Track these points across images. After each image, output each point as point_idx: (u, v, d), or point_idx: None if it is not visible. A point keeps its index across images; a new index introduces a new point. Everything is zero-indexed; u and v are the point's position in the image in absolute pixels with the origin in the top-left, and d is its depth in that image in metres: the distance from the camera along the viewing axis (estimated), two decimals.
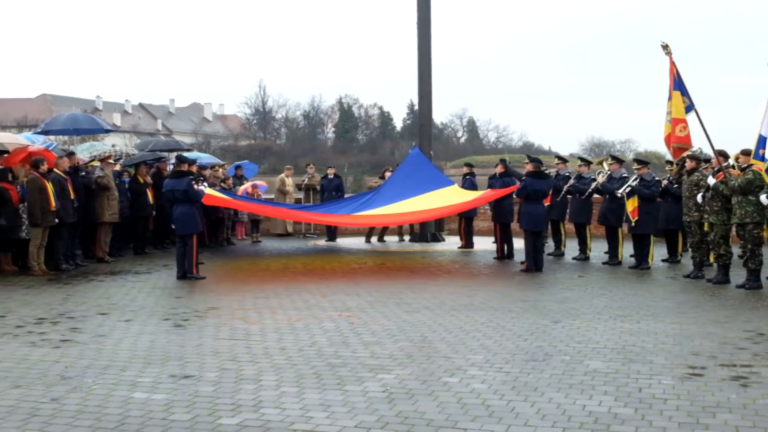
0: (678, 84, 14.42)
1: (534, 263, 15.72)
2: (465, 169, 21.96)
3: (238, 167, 24.75)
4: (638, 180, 16.12)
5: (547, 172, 17.87)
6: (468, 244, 20.36)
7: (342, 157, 75.47)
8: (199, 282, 14.40)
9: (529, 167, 16.43)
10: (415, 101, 22.26)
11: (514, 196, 16.84)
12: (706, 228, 14.31)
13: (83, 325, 10.32)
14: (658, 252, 17.13)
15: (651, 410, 6.63)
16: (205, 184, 16.78)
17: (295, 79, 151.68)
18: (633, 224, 16.10)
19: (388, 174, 22.00)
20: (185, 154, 18.92)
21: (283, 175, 25.11)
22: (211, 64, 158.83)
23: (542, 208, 16.23)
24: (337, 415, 6.52)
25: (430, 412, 6.60)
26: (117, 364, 8.24)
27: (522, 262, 16.10)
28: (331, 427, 6.25)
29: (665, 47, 14.36)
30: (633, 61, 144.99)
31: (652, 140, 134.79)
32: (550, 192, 17.23)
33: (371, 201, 19.52)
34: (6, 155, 16.29)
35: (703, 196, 14.13)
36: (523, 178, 16.64)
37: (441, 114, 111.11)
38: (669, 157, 17.77)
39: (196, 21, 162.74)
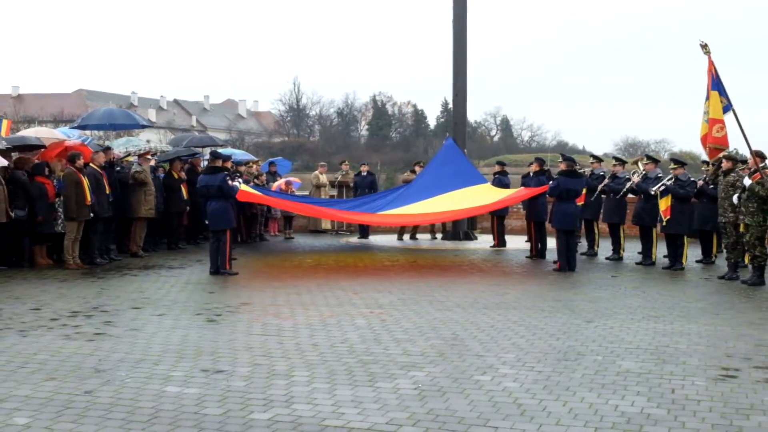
0: (716, 84, 14.30)
1: (567, 263, 15.65)
2: (497, 168, 21.89)
3: (271, 164, 24.82)
4: (673, 180, 16.01)
5: (581, 171, 17.81)
6: (501, 242, 20.30)
7: (375, 155, 75.57)
8: (232, 277, 14.46)
9: (563, 166, 16.36)
10: (449, 99, 22.23)
11: (547, 195, 16.76)
12: (741, 229, 14.18)
13: (117, 319, 10.39)
14: (692, 253, 17.01)
15: (684, 411, 6.58)
16: (240, 180, 16.83)
17: (329, 77, 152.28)
18: (665, 223, 16.00)
19: (418, 169, 21.98)
20: (219, 150, 19.01)
21: (317, 171, 25.21)
22: (245, 61, 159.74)
23: (575, 208, 16.15)
24: (368, 412, 6.53)
25: (461, 410, 6.59)
26: (150, 358, 8.29)
27: (555, 262, 16.03)
28: (362, 424, 6.25)
29: (704, 46, 14.24)
30: (669, 61, 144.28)
31: (687, 140, 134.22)
32: (584, 191, 17.16)
33: (404, 195, 19.54)
34: (43, 150, 16.43)
35: (739, 197, 14.01)
36: (556, 176, 16.58)
37: (475, 112, 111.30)
38: (705, 157, 17.64)
39: (232, 18, 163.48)
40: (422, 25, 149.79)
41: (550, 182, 16.57)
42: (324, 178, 24.81)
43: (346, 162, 25.66)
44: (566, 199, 15.87)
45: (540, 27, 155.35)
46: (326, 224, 24.46)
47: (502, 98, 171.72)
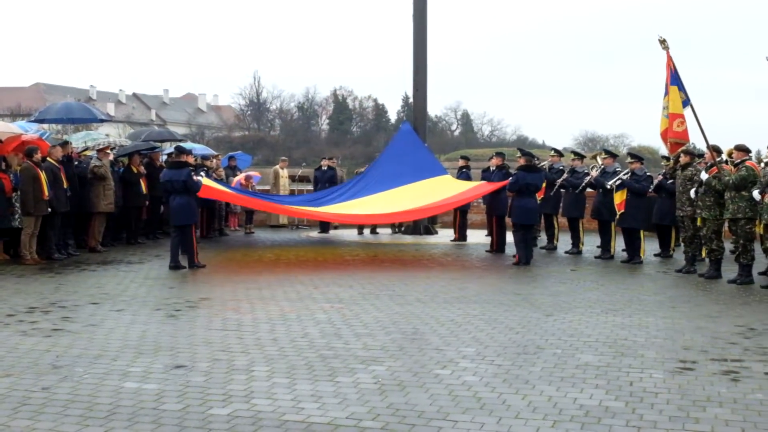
0: (675, 79, 14.40)
1: (525, 256, 15.74)
2: (461, 162, 21.95)
3: (231, 158, 24.69)
4: (630, 174, 16.14)
5: (540, 164, 17.92)
6: (461, 237, 20.36)
7: (336, 149, 75.33)
8: (191, 272, 14.40)
9: (521, 161, 16.44)
10: (410, 94, 22.27)
11: (507, 189, 16.84)
12: (698, 223, 14.33)
13: (75, 315, 10.31)
14: (650, 246, 17.16)
15: (642, 404, 6.64)
16: (203, 174, 16.79)
17: (289, 71, 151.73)
18: (618, 217, 16.13)
19: None
20: (182, 144, 18.95)
21: (277, 167, 25.10)
22: (205, 55, 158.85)
23: (534, 202, 16.22)
24: (328, 407, 6.53)
25: (421, 404, 6.61)
26: (108, 354, 8.23)
27: (514, 256, 16.09)
28: (322, 418, 6.25)
29: (662, 42, 14.34)
30: (627, 56, 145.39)
31: (646, 135, 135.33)
32: (543, 186, 17.26)
33: (363, 187, 19.56)
34: None
35: (696, 191, 14.15)
36: (515, 171, 16.67)
37: (435, 107, 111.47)
38: (663, 152, 17.81)
39: (191, 11, 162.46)
40: (383, 19, 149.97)
41: (510, 177, 16.66)
42: (284, 173, 24.72)
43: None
44: (525, 194, 15.95)
45: (500, 21, 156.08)
46: (283, 219, 24.36)
47: (462, 93, 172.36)
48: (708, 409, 6.54)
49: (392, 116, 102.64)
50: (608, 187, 16.21)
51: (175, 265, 14.77)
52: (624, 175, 16.16)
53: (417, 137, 20.87)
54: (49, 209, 15.26)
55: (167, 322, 9.95)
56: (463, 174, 20.78)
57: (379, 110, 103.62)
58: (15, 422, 6.13)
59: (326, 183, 22.78)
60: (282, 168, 24.88)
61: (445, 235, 21.32)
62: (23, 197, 15.04)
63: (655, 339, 9.12)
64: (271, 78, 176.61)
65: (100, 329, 9.47)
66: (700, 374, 7.59)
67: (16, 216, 15.20)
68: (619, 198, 16.06)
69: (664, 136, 14.79)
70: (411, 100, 21.98)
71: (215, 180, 18.91)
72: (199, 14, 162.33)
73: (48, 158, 15.64)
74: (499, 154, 19.55)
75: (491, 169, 19.43)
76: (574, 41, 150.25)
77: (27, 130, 19.06)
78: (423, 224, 21.88)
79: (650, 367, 7.83)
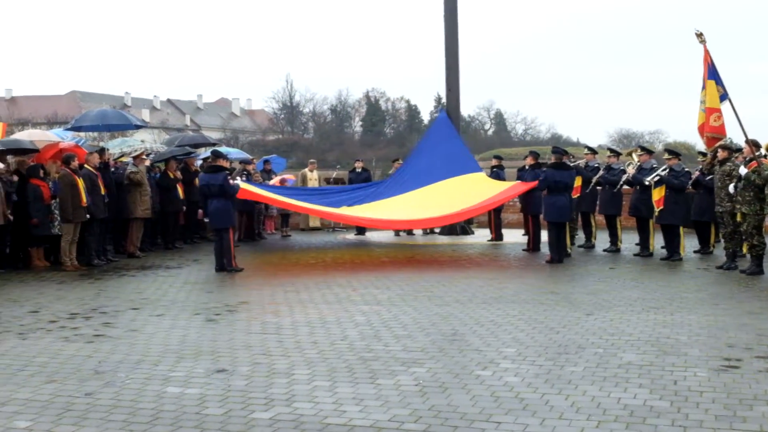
0: (712, 73, 14.28)
1: (557, 254, 15.71)
2: (494, 162, 21.89)
3: (266, 162, 24.75)
4: (668, 170, 16.01)
5: (575, 163, 17.82)
6: (498, 236, 20.31)
7: (369, 151, 75.40)
8: (229, 276, 14.46)
9: (552, 159, 16.42)
10: (443, 94, 22.25)
11: (537, 188, 16.82)
12: (738, 218, 14.18)
13: (116, 320, 10.37)
14: (690, 243, 17.01)
15: (687, 403, 6.57)
16: (242, 178, 16.92)
17: (322, 73, 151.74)
18: (657, 214, 16.02)
19: (398, 165, 22.28)
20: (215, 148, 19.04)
21: (306, 169, 25.09)
22: (238, 60, 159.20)
23: (565, 200, 16.08)
24: (370, 409, 6.51)
25: (463, 405, 6.58)
26: (150, 359, 8.27)
27: (548, 256, 16.05)
28: (364, 421, 6.24)
29: (699, 35, 14.22)
30: (663, 51, 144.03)
31: (681, 131, 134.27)
32: (580, 183, 17.21)
33: (397, 183, 19.66)
34: (37, 152, 16.38)
35: (735, 186, 14.00)
36: (544, 169, 16.65)
37: (468, 106, 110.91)
38: (700, 147, 17.69)
39: (224, 16, 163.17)
40: (414, 19, 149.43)
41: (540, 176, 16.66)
42: (313, 176, 24.64)
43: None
44: (555, 192, 15.90)
45: (532, 19, 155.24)
46: (315, 222, 24.34)
47: (495, 92, 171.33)
48: (755, 407, 6.46)
49: (425, 117, 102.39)
50: (646, 183, 16.09)
51: (220, 268, 14.95)
52: (662, 171, 16.04)
53: (452, 127, 20.94)
54: (88, 216, 15.38)
55: (207, 326, 9.98)
56: (495, 174, 20.71)
57: (412, 111, 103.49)
58: (59, 428, 6.17)
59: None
60: (311, 170, 24.82)
61: (481, 235, 21.24)
62: (62, 204, 15.16)
63: (698, 337, 9.03)
64: (303, 81, 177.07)
65: (141, 334, 9.52)
66: (746, 372, 7.50)
67: (56, 223, 15.34)
68: (657, 194, 15.93)
69: (701, 130, 14.68)
70: (444, 100, 21.90)
71: (255, 184, 19.04)
72: (231, 19, 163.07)
73: (85, 165, 15.77)
74: (533, 153, 19.48)
75: (526, 168, 19.35)
76: (608, 36, 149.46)
77: (63, 138, 19.21)
78: (459, 224, 21.80)
79: (694, 365, 7.76)
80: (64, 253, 15.32)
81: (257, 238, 21.53)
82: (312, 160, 26.80)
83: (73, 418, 6.39)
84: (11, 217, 14.63)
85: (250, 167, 21.44)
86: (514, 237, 20.24)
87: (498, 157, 22.63)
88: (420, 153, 20.84)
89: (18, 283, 13.72)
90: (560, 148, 17.88)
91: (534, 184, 17.27)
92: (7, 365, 8.07)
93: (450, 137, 20.55)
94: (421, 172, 19.74)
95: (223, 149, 20.95)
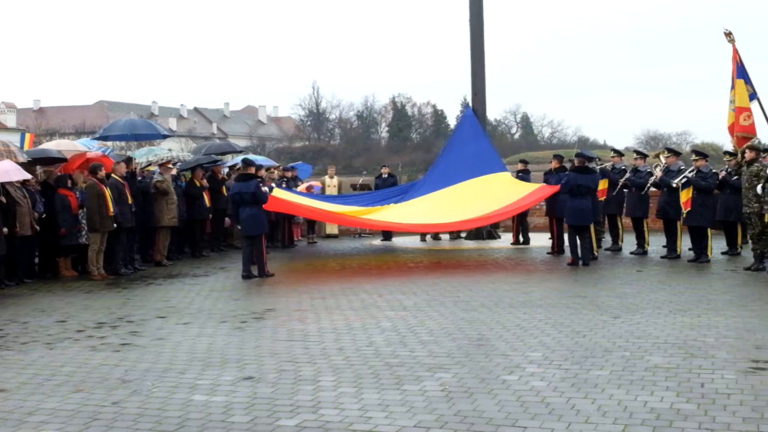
0: (741, 72, 14.22)
1: (581, 258, 15.75)
2: (520, 166, 21.87)
3: (292, 168, 24.76)
4: (695, 172, 15.92)
5: (602, 165, 17.76)
6: (524, 240, 20.28)
7: (396, 156, 75.43)
8: (256, 284, 14.50)
9: (576, 162, 16.43)
10: (469, 98, 22.16)
11: (560, 191, 16.82)
12: (766, 219, 14.07)
13: (142, 329, 10.42)
14: (717, 244, 16.90)
15: (714, 406, 6.52)
16: (274, 186, 17.13)
17: (348, 80, 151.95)
18: (685, 215, 15.93)
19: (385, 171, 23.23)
20: (249, 157, 19.26)
21: (325, 176, 25.08)
22: (264, 67, 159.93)
23: (587, 203, 16.04)
24: (395, 415, 6.51)
25: (489, 410, 6.56)
26: (176, 367, 8.30)
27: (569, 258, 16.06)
28: (390, 427, 6.23)
29: (728, 34, 14.15)
30: (689, 51, 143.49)
31: (709, 131, 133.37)
32: (606, 186, 17.17)
33: (427, 181, 19.94)
34: (65, 162, 16.50)
35: (763, 187, 13.90)
36: (567, 172, 16.66)
37: (495, 110, 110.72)
38: (727, 147, 17.55)
39: (250, 24, 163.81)
40: (439, 24, 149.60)
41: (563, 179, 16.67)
42: (333, 182, 24.57)
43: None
44: (578, 195, 15.89)
45: (557, 21, 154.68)
46: (332, 228, 24.30)
47: (521, 95, 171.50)
48: None
49: (451, 121, 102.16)
50: (674, 185, 16.01)
51: (247, 275, 15.04)
52: (689, 172, 15.94)
53: (479, 125, 20.98)
54: (115, 225, 15.46)
55: (233, 334, 10.01)
56: (521, 178, 20.66)
57: (438, 116, 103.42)
58: None
59: None
60: (330, 177, 24.77)
61: (508, 239, 21.20)
62: (89, 214, 15.26)
63: (726, 339, 8.97)
64: (329, 88, 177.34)
65: (168, 343, 9.56)
66: None
67: (83, 233, 15.45)
68: (685, 196, 15.84)
69: (731, 130, 14.61)
70: (470, 104, 21.87)
71: (289, 190, 19.39)
72: (257, 27, 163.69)
73: (112, 175, 15.86)
74: (557, 157, 19.46)
75: (552, 171, 19.31)
76: (633, 38, 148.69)
77: (90, 147, 19.33)
78: (486, 229, 21.77)
79: (721, 368, 7.70)
80: (92, 263, 15.41)
81: (283, 245, 21.50)
82: (331, 166, 26.73)
83: (100, 427, 6.42)
84: (38, 228, 14.74)
85: (289, 174, 21.92)
86: (541, 240, 20.17)
87: (524, 161, 22.67)
88: (447, 151, 21.03)
89: (46, 292, 13.82)
90: (584, 152, 17.87)
91: (557, 187, 17.24)
92: (35, 375, 8.12)
93: (477, 135, 20.64)
94: (448, 171, 19.94)
95: (251, 157, 21.05)
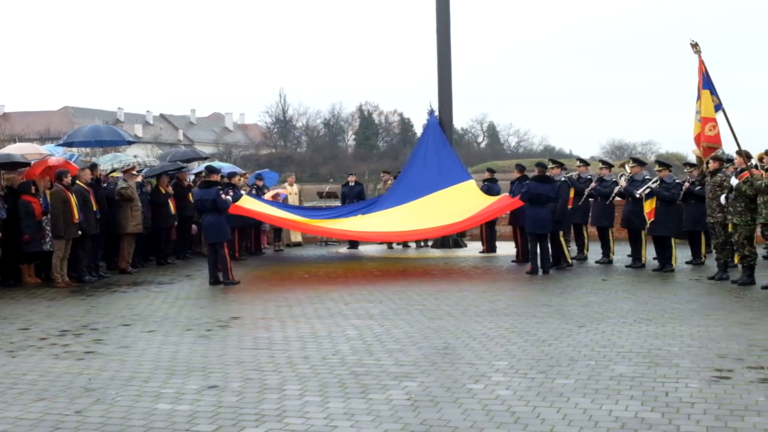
0: (707, 82, 14.30)
1: (542, 266, 15.89)
2: (486, 174, 21.92)
3: (258, 177, 24.60)
4: (659, 182, 16.03)
5: (568, 174, 17.84)
6: (490, 248, 20.34)
7: (363, 164, 75.47)
8: (221, 291, 14.44)
9: (536, 172, 16.65)
10: (435, 107, 22.19)
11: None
12: (730, 229, 14.19)
13: (106, 337, 10.33)
14: (681, 254, 17.02)
15: (678, 414, 6.56)
16: (232, 192, 17.05)
17: (315, 87, 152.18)
18: (648, 225, 16.04)
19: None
20: (212, 164, 19.19)
21: (285, 183, 24.95)
22: (231, 74, 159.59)
23: (546, 212, 16.16)
24: (361, 424, 6.49)
25: (455, 419, 6.56)
26: (140, 375, 8.24)
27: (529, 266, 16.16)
28: None
29: (694, 45, 14.23)
30: (654, 62, 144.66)
31: (674, 142, 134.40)
32: (572, 195, 17.26)
33: (393, 194, 20.02)
34: (28, 166, 16.33)
35: (727, 197, 14.02)
36: (527, 182, 16.81)
37: (461, 119, 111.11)
38: (690, 158, 17.66)
39: (216, 31, 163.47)
40: (406, 32, 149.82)
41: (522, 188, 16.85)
42: (293, 190, 24.29)
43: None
44: (537, 204, 16.02)
45: (524, 31, 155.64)
46: (296, 237, 24.18)
47: (487, 104, 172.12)
48: (746, 418, 6.45)
49: (418, 130, 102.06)
50: (637, 196, 16.12)
51: (214, 281, 15.11)
52: (653, 183, 16.06)
53: (442, 134, 21.03)
54: (80, 232, 15.35)
55: (199, 342, 9.95)
56: (488, 187, 20.72)
57: (405, 124, 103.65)
58: None
59: (354, 198, 22.81)
60: (290, 184, 24.48)
61: (474, 248, 21.23)
62: (54, 220, 15.13)
63: (690, 348, 9.03)
64: (296, 95, 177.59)
65: (132, 351, 9.49)
66: (737, 383, 7.49)
67: (47, 239, 15.30)
68: (648, 206, 15.95)
69: (697, 140, 14.69)
70: (436, 113, 21.90)
71: (254, 196, 19.37)
72: (223, 34, 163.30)
73: (77, 181, 15.74)
74: (519, 166, 19.59)
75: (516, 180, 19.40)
76: (599, 47, 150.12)
77: (53, 153, 19.16)
78: (452, 237, 21.81)
79: (686, 376, 7.75)
80: (56, 270, 15.28)
81: (249, 253, 21.37)
82: (290, 174, 26.52)
83: None
84: (0, 234, 14.59)
85: (235, 180, 21.44)
86: (508, 249, 20.20)
87: (491, 170, 22.69)
88: (412, 163, 21.03)
89: (8, 300, 13.68)
90: (543, 162, 18.02)
91: (519, 201, 17.29)
92: None
93: (440, 145, 20.68)
94: (413, 184, 19.95)
95: (215, 164, 21.00)
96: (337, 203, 24.14)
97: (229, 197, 16.14)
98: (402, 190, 20.17)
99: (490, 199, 19.16)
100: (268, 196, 22.27)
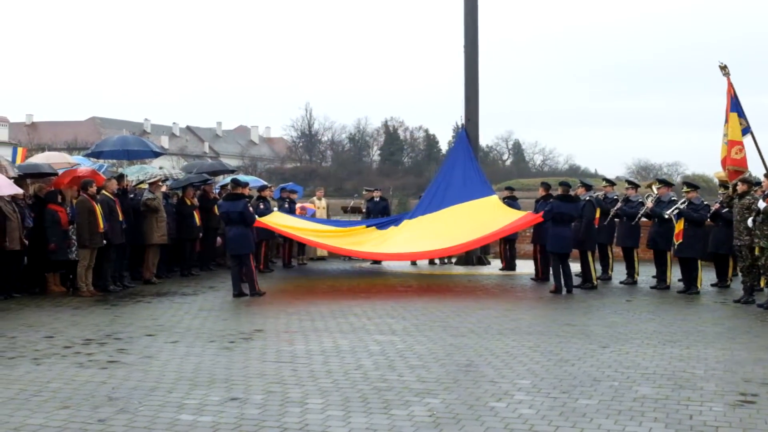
0: (735, 105, 14.26)
1: (565, 285, 15.84)
2: (505, 193, 21.89)
3: (284, 190, 24.62)
4: (686, 203, 15.95)
5: (594, 194, 17.79)
6: (509, 266, 20.32)
7: (387, 180, 75.47)
8: (245, 304, 14.46)
9: (560, 191, 16.57)
10: (461, 124, 22.21)
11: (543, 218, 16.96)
12: (756, 252, 14.10)
13: (130, 347, 10.37)
14: (707, 276, 16.90)
15: None
16: (262, 206, 17.27)
17: (341, 102, 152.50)
18: (676, 247, 15.96)
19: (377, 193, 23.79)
20: (238, 177, 19.29)
21: (315, 197, 25.04)
22: (257, 88, 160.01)
23: (569, 231, 16.15)
24: None
25: None
26: (164, 386, 8.26)
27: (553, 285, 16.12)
28: None
29: (723, 68, 14.21)
30: (681, 83, 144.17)
31: (700, 163, 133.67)
32: (597, 215, 17.20)
33: (421, 204, 20.50)
34: (56, 176, 16.45)
35: (754, 220, 13.93)
36: (551, 201, 16.77)
37: (487, 137, 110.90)
38: (715, 181, 17.59)
39: (243, 45, 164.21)
40: (434, 49, 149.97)
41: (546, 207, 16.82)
42: (321, 204, 24.46)
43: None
44: (560, 223, 16.00)
45: (552, 50, 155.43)
46: (322, 251, 24.18)
47: (513, 122, 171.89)
48: None
49: (443, 146, 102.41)
50: (666, 217, 16.04)
51: (238, 293, 15.15)
52: (681, 204, 15.98)
53: (470, 148, 21.22)
54: (105, 241, 15.43)
55: (222, 354, 9.97)
56: (507, 204, 20.69)
57: (430, 141, 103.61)
58: None
59: (379, 213, 22.83)
60: (319, 198, 24.67)
61: (497, 265, 21.19)
62: (79, 230, 15.23)
63: (714, 371, 8.97)
64: (322, 110, 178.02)
65: (156, 361, 9.52)
66: (762, 407, 7.44)
67: (73, 248, 15.40)
68: (678, 227, 15.87)
69: (724, 163, 14.63)
70: (463, 128, 21.93)
71: (286, 211, 19.61)
72: (251, 48, 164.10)
73: (103, 191, 15.83)
74: (544, 185, 19.56)
75: (540, 198, 19.39)
76: (627, 68, 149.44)
77: (82, 163, 19.29)
78: (475, 255, 21.79)
79: (710, 400, 7.70)
80: (81, 279, 15.36)
81: (270, 267, 21.38)
82: (319, 188, 26.60)
83: None
84: (26, 242, 14.71)
85: (293, 195, 21.89)
86: (529, 268, 20.15)
87: (510, 188, 22.73)
88: (441, 174, 21.24)
89: (34, 308, 13.76)
90: (567, 181, 17.97)
91: (541, 217, 17.32)
92: (21, 390, 8.09)
93: (467, 158, 20.83)
94: (438, 194, 20.27)
95: (241, 177, 21.05)
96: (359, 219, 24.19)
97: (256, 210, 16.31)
98: (429, 199, 20.37)
99: (514, 213, 19.15)
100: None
